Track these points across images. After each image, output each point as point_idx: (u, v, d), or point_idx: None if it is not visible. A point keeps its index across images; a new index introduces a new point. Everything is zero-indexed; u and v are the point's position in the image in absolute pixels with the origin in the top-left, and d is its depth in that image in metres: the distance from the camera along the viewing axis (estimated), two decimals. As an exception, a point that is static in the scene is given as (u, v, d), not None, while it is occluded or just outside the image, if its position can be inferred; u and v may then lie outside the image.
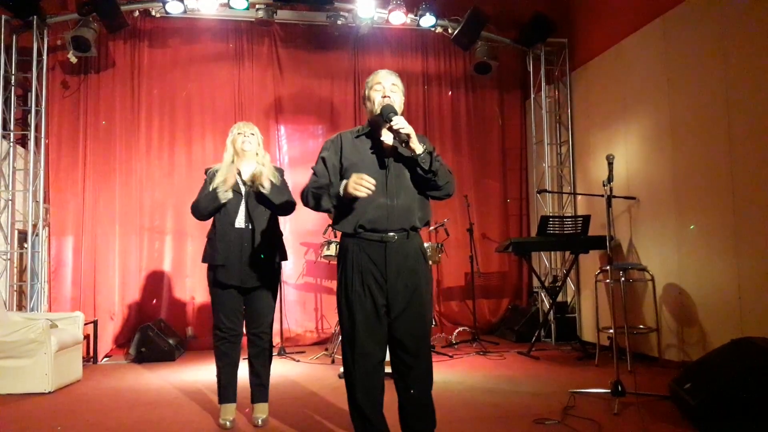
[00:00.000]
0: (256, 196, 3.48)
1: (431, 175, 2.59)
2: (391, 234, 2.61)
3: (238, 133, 3.57)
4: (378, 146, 2.69)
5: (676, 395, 3.54)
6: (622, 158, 5.70)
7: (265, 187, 3.43)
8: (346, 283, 2.64)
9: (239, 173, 3.53)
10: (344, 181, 2.54)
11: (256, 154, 3.59)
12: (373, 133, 2.72)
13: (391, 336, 2.65)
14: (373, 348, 2.63)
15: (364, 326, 2.61)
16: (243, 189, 3.50)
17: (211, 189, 3.43)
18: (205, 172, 3.63)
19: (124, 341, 6.29)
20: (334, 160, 2.71)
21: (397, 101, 2.69)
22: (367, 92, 2.74)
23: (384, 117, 2.57)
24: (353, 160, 2.67)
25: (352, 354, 2.64)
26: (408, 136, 2.53)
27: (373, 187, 2.47)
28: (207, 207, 3.47)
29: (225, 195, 3.41)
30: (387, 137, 2.70)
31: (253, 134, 3.59)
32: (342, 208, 2.65)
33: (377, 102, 2.67)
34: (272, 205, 3.49)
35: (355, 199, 2.52)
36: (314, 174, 2.75)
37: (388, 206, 2.60)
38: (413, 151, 2.56)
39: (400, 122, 2.53)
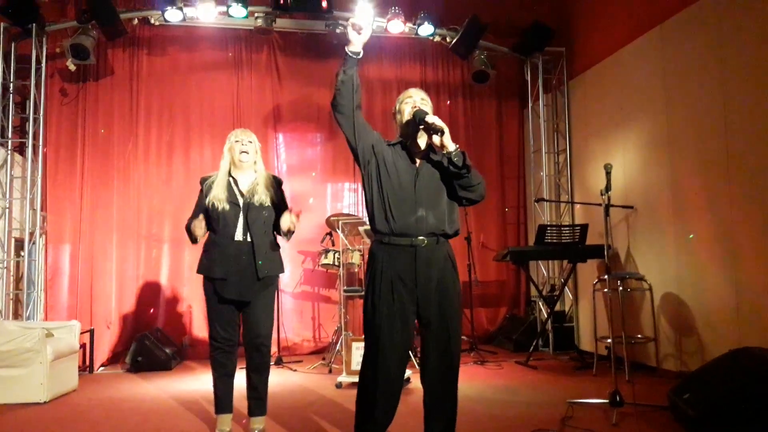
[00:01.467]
0: (269, 214, 3.49)
1: (465, 171, 2.61)
2: (421, 238, 2.62)
3: (236, 141, 3.53)
4: (410, 154, 2.74)
5: (675, 406, 3.53)
6: (620, 167, 5.70)
7: (288, 239, 3.52)
8: (374, 291, 2.63)
9: (236, 183, 3.51)
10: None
11: (254, 162, 3.57)
12: (405, 144, 2.78)
13: (423, 338, 2.68)
14: (396, 363, 2.64)
15: (389, 339, 2.60)
16: (241, 201, 3.46)
17: (215, 199, 3.42)
18: (201, 182, 3.59)
19: (120, 350, 6.26)
20: (373, 135, 2.75)
21: (429, 111, 2.74)
22: (398, 106, 2.82)
23: (417, 117, 2.65)
24: (385, 163, 2.70)
25: (376, 364, 2.62)
26: (442, 129, 2.58)
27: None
28: (190, 237, 3.47)
29: (198, 234, 3.40)
30: (420, 142, 2.75)
31: (251, 142, 3.55)
32: (373, 210, 2.68)
33: (407, 112, 2.73)
34: (283, 235, 3.55)
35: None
36: None
37: (418, 212, 2.63)
38: (446, 147, 2.60)
39: (434, 117, 2.61)
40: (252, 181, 3.51)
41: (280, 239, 3.62)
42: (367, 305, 2.68)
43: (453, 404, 2.71)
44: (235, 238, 3.41)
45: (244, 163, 3.52)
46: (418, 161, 2.74)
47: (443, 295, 2.63)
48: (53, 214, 6.32)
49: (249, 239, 3.42)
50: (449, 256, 2.71)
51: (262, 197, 3.46)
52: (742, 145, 4.38)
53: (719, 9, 4.62)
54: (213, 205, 3.41)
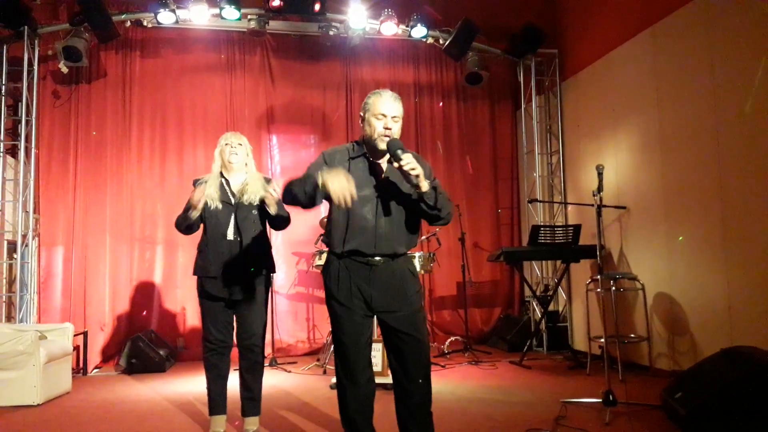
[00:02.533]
0: (261, 212, 3.48)
1: (436, 212, 2.59)
2: (377, 258, 2.62)
3: (226, 144, 3.57)
4: (373, 170, 2.67)
5: (667, 404, 3.55)
6: (612, 168, 5.74)
7: (272, 211, 3.45)
8: (334, 294, 2.66)
9: (228, 184, 3.53)
10: (325, 170, 2.45)
11: (244, 164, 3.60)
12: (369, 157, 2.69)
13: (389, 345, 2.68)
14: (363, 362, 2.68)
15: (352, 339, 2.64)
16: (233, 200, 3.49)
17: (208, 197, 3.44)
18: (194, 184, 3.61)
19: (114, 352, 6.25)
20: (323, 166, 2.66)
21: (397, 130, 2.64)
22: (367, 116, 2.65)
23: (391, 154, 2.53)
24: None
25: (343, 368, 2.68)
26: (417, 177, 2.47)
27: (349, 203, 2.42)
28: (181, 225, 3.50)
29: (194, 214, 3.39)
30: (385, 163, 2.67)
31: (240, 144, 3.58)
32: (330, 227, 2.66)
33: (377, 132, 2.60)
34: (272, 220, 3.51)
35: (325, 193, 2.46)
36: (298, 179, 2.69)
37: (376, 233, 2.60)
38: (419, 188, 2.51)
39: (410, 162, 2.46)
40: (242, 182, 3.54)
41: (275, 238, 3.62)
42: (329, 307, 2.71)
43: (427, 406, 2.69)
44: (227, 237, 3.44)
45: (234, 165, 3.55)
46: (379, 177, 2.66)
47: (402, 300, 2.63)
48: (46, 216, 6.30)
49: (239, 238, 3.44)
50: (408, 269, 2.71)
51: (251, 197, 3.49)
52: (733, 145, 4.42)
53: (710, 11, 4.66)
54: (206, 203, 3.43)
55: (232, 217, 3.46)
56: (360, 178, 2.61)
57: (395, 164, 2.51)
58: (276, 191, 3.49)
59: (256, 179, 3.57)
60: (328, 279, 2.69)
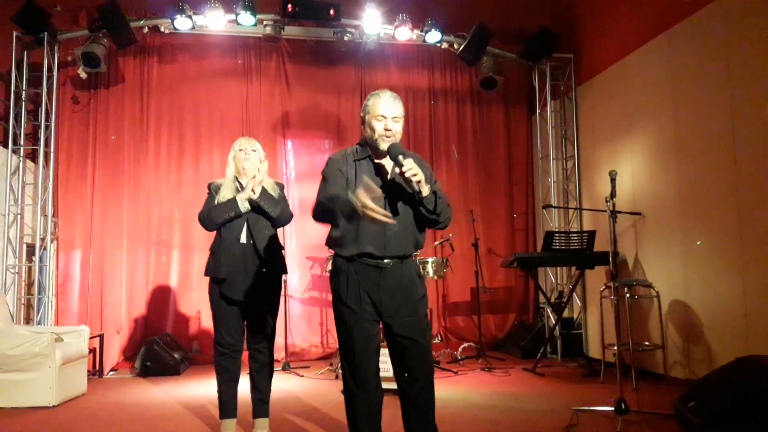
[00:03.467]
0: (253, 208, 3.50)
1: (435, 216, 2.61)
2: (387, 261, 2.61)
3: (240, 150, 3.60)
4: (378, 172, 2.68)
5: (680, 414, 3.51)
6: (628, 173, 5.69)
7: (255, 193, 3.45)
8: (343, 299, 2.65)
9: (241, 188, 3.56)
10: (358, 193, 2.42)
11: (257, 170, 3.62)
12: (373, 159, 2.70)
13: (392, 350, 2.68)
14: (373, 368, 2.67)
15: (362, 345, 2.63)
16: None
17: (224, 200, 3.47)
18: (208, 187, 3.65)
19: (130, 355, 6.32)
20: (339, 175, 2.67)
21: (399, 131, 2.65)
22: (366, 118, 2.66)
23: (392, 158, 2.54)
24: (352, 183, 2.65)
25: (353, 375, 2.66)
26: (419, 184, 2.48)
27: (391, 221, 2.44)
28: (222, 216, 3.46)
29: (244, 205, 3.44)
30: (389, 166, 2.67)
31: (254, 150, 3.61)
32: (341, 229, 2.64)
33: (378, 133, 2.61)
34: (266, 214, 3.51)
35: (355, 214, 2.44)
36: (324, 185, 2.70)
37: (385, 235, 2.59)
38: (420, 193, 2.52)
39: (412, 168, 2.45)
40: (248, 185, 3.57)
41: (290, 242, 3.65)
42: (336, 313, 2.70)
43: (431, 411, 2.68)
44: (241, 240, 3.47)
45: (248, 171, 3.58)
46: (384, 178, 2.66)
47: (409, 305, 2.63)
48: (64, 220, 6.40)
49: (252, 242, 3.48)
50: (414, 270, 2.71)
51: (256, 190, 3.50)
52: (750, 151, 4.36)
53: (726, 15, 4.61)
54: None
55: (246, 221, 3.49)
56: (362, 178, 2.61)
57: (396, 170, 2.52)
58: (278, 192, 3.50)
59: (268, 185, 3.59)
60: (338, 284, 2.69)
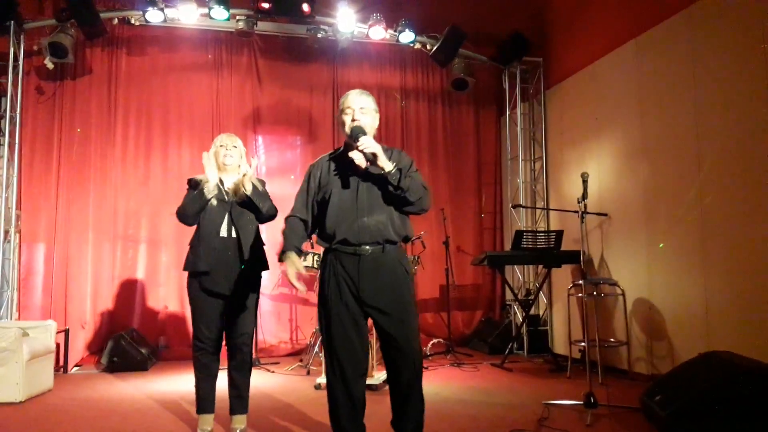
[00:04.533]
0: (240, 203, 3.50)
1: (400, 192, 2.67)
2: (365, 247, 2.67)
3: (220, 146, 3.59)
4: (351, 166, 2.77)
5: (647, 407, 3.64)
6: (595, 175, 5.85)
7: (247, 189, 3.46)
8: (324, 294, 2.73)
9: (222, 183, 3.55)
10: (288, 259, 2.76)
11: (238, 166, 3.62)
12: (347, 153, 2.80)
13: (380, 334, 2.72)
14: (352, 360, 2.70)
15: (342, 338, 2.68)
16: (227, 198, 3.51)
17: (196, 189, 3.48)
18: (188, 182, 3.62)
19: (95, 350, 6.20)
20: (313, 185, 2.87)
21: (368, 122, 2.77)
22: (340, 115, 2.84)
23: (352, 138, 2.69)
24: (326, 181, 2.81)
25: (332, 366, 2.71)
26: (374, 155, 2.63)
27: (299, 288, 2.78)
28: (193, 206, 3.46)
29: (211, 191, 3.43)
30: (357, 157, 2.76)
31: (235, 147, 3.61)
32: (319, 224, 2.84)
33: (347, 125, 2.77)
34: (256, 209, 3.51)
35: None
36: (295, 202, 2.93)
37: (360, 221, 2.68)
38: (382, 168, 2.64)
39: (365, 142, 2.64)
40: (235, 182, 3.56)
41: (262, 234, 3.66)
42: (319, 305, 2.81)
43: (419, 403, 2.75)
44: (221, 234, 3.46)
45: (229, 167, 3.58)
46: (358, 169, 2.76)
47: (393, 298, 2.68)
48: (28, 212, 6.24)
49: (234, 235, 3.47)
50: (399, 261, 2.76)
51: (247, 187, 3.50)
52: (713, 156, 4.54)
53: (692, 24, 4.79)
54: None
55: (227, 215, 3.48)
56: (340, 173, 2.78)
57: (358, 152, 2.69)
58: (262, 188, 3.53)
59: (248, 180, 3.59)
60: (321, 275, 2.81)
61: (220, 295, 3.44)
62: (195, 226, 3.55)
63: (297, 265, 2.74)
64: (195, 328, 3.50)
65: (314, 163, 2.94)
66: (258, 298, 3.62)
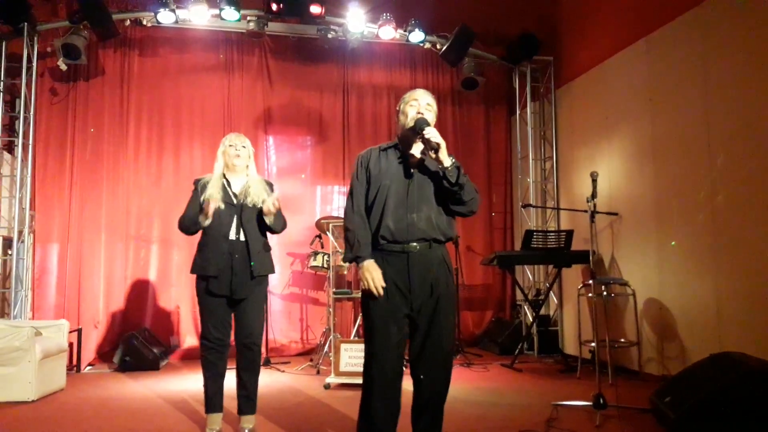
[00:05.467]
0: (256, 216, 3.52)
1: (457, 188, 2.63)
2: (413, 244, 2.65)
3: (230, 145, 3.61)
4: (405, 159, 2.75)
5: (657, 408, 3.62)
6: (605, 175, 5.82)
7: (270, 221, 3.51)
8: (370, 293, 2.66)
9: (229, 185, 3.57)
10: (367, 269, 2.64)
11: (246, 167, 3.64)
12: (401, 147, 2.79)
13: (414, 340, 2.69)
14: (394, 359, 2.67)
15: (385, 336, 2.64)
16: (235, 201, 3.52)
17: (198, 208, 3.49)
18: (195, 183, 3.64)
19: (107, 350, 6.26)
20: (365, 175, 2.79)
21: (430, 119, 2.73)
22: (402, 107, 2.81)
23: (417, 128, 2.65)
24: (377, 172, 2.75)
25: (372, 365, 2.66)
26: (438, 145, 2.58)
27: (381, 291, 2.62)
28: (189, 228, 3.53)
29: (206, 222, 3.43)
30: (416, 150, 2.75)
31: (244, 147, 3.62)
32: (368, 218, 2.76)
33: (410, 116, 2.73)
34: (269, 229, 3.56)
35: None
36: (350, 196, 2.82)
37: (409, 218, 2.65)
38: (441, 162, 2.61)
39: (432, 132, 2.60)
40: (244, 184, 3.58)
41: (270, 237, 3.68)
42: (364, 308, 2.74)
43: (441, 401, 2.73)
44: (229, 237, 3.47)
45: (237, 167, 3.60)
46: (411, 165, 2.74)
47: (438, 298, 2.66)
48: (42, 213, 6.31)
49: (243, 238, 3.48)
50: (444, 259, 2.73)
51: (255, 199, 3.52)
52: (724, 154, 4.50)
53: (703, 23, 4.75)
54: (209, 203, 3.46)
55: (235, 218, 3.49)
56: (391, 167, 2.75)
57: (418, 138, 2.66)
58: (276, 202, 3.52)
59: (257, 182, 3.61)
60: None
61: (229, 298, 3.46)
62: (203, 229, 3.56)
63: (378, 273, 2.64)
64: (203, 327, 3.52)
65: (363, 153, 2.87)
66: (266, 298, 3.63)
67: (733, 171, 4.43)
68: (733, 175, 4.42)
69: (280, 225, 3.58)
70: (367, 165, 2.79)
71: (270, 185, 3.69)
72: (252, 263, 3.46)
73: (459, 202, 2.70)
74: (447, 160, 2.60)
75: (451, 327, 2.75)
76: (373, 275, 2.62)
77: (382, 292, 2.62)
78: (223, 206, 3.47)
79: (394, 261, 2.66)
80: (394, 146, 2.82)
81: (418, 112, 2.73)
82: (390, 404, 2.68)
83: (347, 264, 5.89)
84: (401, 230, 2.65)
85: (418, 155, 2.75)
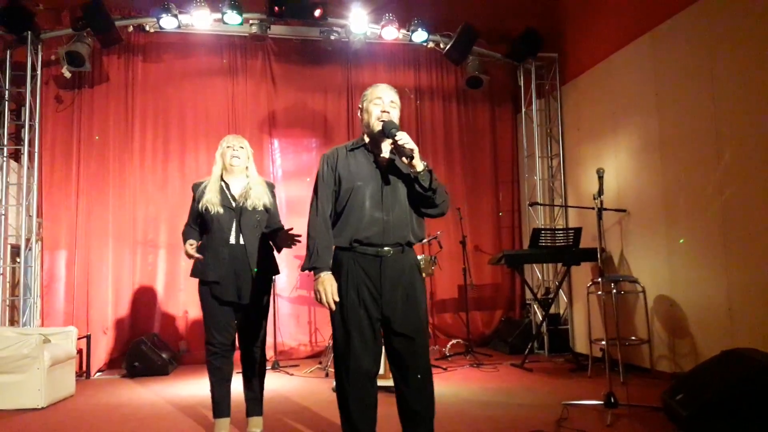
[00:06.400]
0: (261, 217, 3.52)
1: (431, 193, 2.61)
2: (387, 248, 2.62)
3: (227, 147, 3.59)
4: (374, 160, 2.71)
5: (668, 406, 3.57)
6: (612, 171, 5.77)
7: (279, 252, 3.57)
8: (341, 295, 2.63)
9: (228, 188, 3.55)
10: (322, 281, 2.58)
11: (245, 167, 3.62)
12: (369, 147, 2.73)
13: (390, 348, 2.68)
14: (367, 362, 2.64)
15: (359, 340, 2.62)
16: (234, 204, 3.51)
17: (195, 213, 3.51)
18: (193, 189, 3.63)
19: (117, 356, 6.27)
20: (332, 175, 2.72)
21: (395, 118, 2.69)
22: (365, 104, 2.73)
23: (387, 133, 2.59)
24: (347, 172, 2.68)
25: (346, 368, 2.64)
26: (412, 151, 2.52)
27: (333, 307, 2.59)
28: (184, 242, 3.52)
29: (193, 252, 3.42)
30: (385, 150, 2.71)
31: (242, 147, 3.60)
32: (337, 221, 2.69)
33: (375, 116, 2.67)
34: (275, 242, 3.60)
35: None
36: (315, 198, 2.74)
37: (384, 221, 2.61)
38: (414, 168, 2.56)
39: (404, 138, 2.54)
40: (244, 186, 3.57)
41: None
42: (334, 314, 2.67)
43: (430, 405, 2.70)
44: (230, 242, 3.45)
45: (236, 168, 3.57)
46: (381, 166, 2.69)
47: (410, 302, 2.64)
48: (49, 220, 6.33)
49: (243, 242, 3.46)
50: (415, 263, 2.73)
51: (255, 201, 3.51)
52: (733, 149, 4.45)
53: (709, 15, 4.69)
54: (207, 209, 3.45)
55: (235, 222, 3.47)
56: (362, 168, 2.68)
57: (389, 142, 2.61)
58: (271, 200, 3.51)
59: (258, 184, 3.59)
60: (337, 276, 2.66)
61: (231, 303, 3.44)
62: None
63: (333, 287, 2.59)
64: (207, 332, 3.50)
65: (328, 153, 2.78)
66: (269, 301, 3.62)
67: (741, 164, 4.37)
68: (741, 169, 4.37)
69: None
70: (335, 166, 2.72)
71: (270, 186, 3.67)
72: (254, 269, 3.44)
73: (431, 205, 2.68)
74: (420, 165, 2.56)
75: (425, 330, 2.72)
76: (326, 289, 2.58)
77: (334, 307, 2.59)
78: (222, 210, 3.45)
79: (366, 264, 2.63)
80: (363, 146, 2.75)
81: (383, 111, 2.67)
82: (367, 408, 2.68)
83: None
84: (377, 233, 2.61)
85: (387, 156, 2.71)
